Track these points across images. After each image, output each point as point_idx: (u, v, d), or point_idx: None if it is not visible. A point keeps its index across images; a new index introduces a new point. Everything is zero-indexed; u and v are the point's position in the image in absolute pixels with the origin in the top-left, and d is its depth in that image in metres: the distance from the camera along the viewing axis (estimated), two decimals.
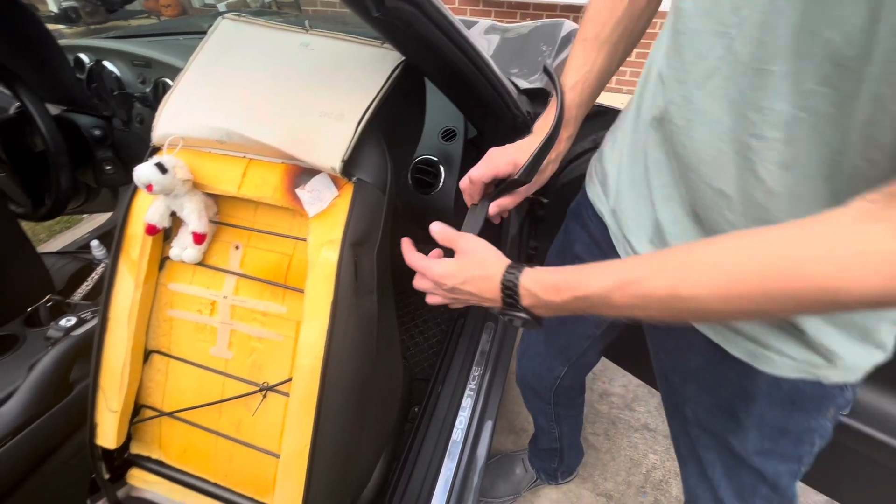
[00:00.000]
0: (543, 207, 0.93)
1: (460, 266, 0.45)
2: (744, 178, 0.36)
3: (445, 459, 0.86)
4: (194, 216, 0.60)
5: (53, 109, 1.00)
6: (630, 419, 1.32)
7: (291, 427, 0.56)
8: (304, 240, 0.60)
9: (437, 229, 0.49)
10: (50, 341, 0.75)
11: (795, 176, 0.33)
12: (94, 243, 0.99)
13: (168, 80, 1.02)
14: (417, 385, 1.03)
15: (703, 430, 0.55)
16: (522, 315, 0.42)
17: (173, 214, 0.62)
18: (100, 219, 1.82)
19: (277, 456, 0.63)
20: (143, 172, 0.55)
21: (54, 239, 2.03)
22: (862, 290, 0.26)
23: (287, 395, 0.62)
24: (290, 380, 0.58)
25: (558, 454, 1.06)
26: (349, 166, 0.53)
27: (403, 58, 0.58)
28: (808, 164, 0.32)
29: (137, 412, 0.70)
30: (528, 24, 1.24)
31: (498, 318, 1.06)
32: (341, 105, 0.54)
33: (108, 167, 1.06)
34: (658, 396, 1.26)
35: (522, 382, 0.89)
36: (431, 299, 0.50)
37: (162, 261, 0.67)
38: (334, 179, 0.55)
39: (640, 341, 0.65)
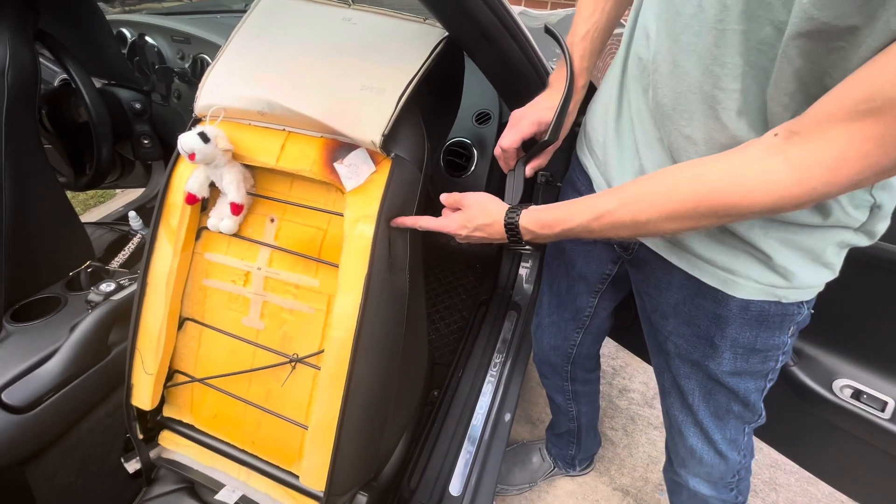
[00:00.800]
0: None
1: (468, 217, 0.55)
2: (708, 124, 0.43)
3: (465, 443, 0.86)
4: (233, 187, 0.61)
5: (96, 83, 1.03)
6: (649, 416, 1.31)
7: (321, 398, 0.57)
8: (340, 214, 0.61)
9: (444, 196, 0.58)
10: (90, 305, 0.79)
11: (746, 121, 0.41)
12: (132, 214, 1.02)
13: (206, 57, 1.04)
14: (438, 370, 1.03)
15: (683, 361, 0.63)
16: (526, 248, 0.52)
17: (212, 185, 0.64)
18: (131, 194, 1.89)
19: (304, 427, 0.65)
20: (187, 140, 0.56)
21: (89, 212, 2.11)
22: (759, 205, 0.36)
23: (316, 367, 0.63)
24: (321, 352, 0.59)
25: (576, 438, 1.06)
26: (388, 142, 0.54)
27: (446, 34, 0.58)
28: (753, 110, 0.40)
29: (171, 377, 0.73)
30: (559, 12, 1.21)
31: (520, 306, 1.06)
32: (383, 79, 0.55)
33: (146, 141, 1.09)
34: None
35: (540, 358, 0.93)
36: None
37: (199, 231, 0.69)
38: (372, 155, 0.56)
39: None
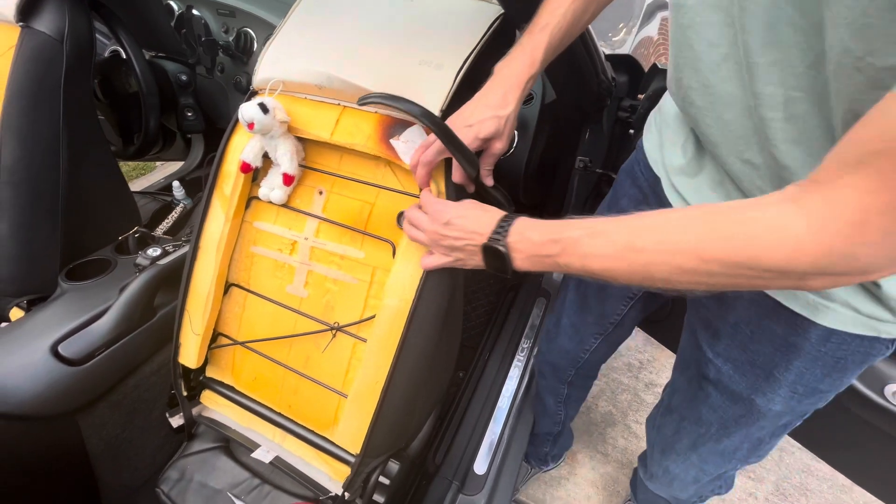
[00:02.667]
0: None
1: (463, 205, 0.50)
2: (766, 149, 0.40)
3: (490, 424, 0.90)
4: (287, 158, 0.65)
5: (144, 54, 1.09)
6: None
7: (367, 363, 0.61)
8: (388, 189, 0.64)
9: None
10: (138, 268, 0.84)
11: (805, 150, 0.37)
12: (176, 184, 1.08)
13: (250, 31, 1.08)
14: (464, 352, 1.07)
15: (720, 391, 0.57)
16: (501, 247, 0.44)
17: (264, 156, 0.68)
18: (169, 168, 1.97)
19: (342, 394, 0.69)
20: (248, 110, 0.60)
21: (131, 184, 2.22)
22: (767, 260, 0.31)
23: (357, 336, 0.67)
24: (373, 317, 0.63)
25: (553, 437, 1.07)
26: (446, 117, 0.57)
27: (501, 12, 0.60)
28: (812, 138, 0.37)
29: (215, 339, 0.78)
30: None
31: (549, 293, 1.07)
32: (440, 54, 0.57)
33: (189, 113, 1.15)
34: None
35: (545, 358, 0.90)
36: (413, 233, 0.53)
37: (249, 200, 0.73)
38: (427, 131, 0.59)
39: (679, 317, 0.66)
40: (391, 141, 0.59)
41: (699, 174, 0.51)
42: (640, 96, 0.89)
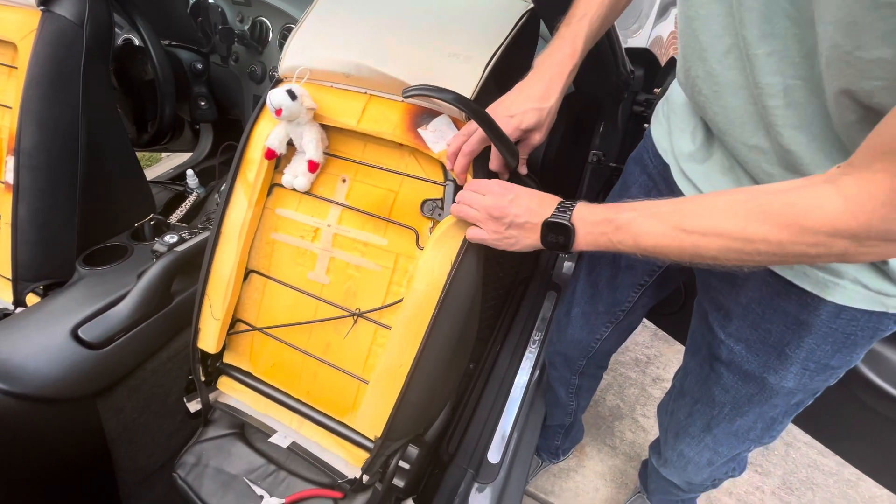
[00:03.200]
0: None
1: (521, 189, 0.52)
2: (771, 135, 0.42)
3: (503, 414, 0.92)
4: (312, 145, 0.67)
5: None
6: None
7: (391, 347, 0.63)
8: (413, 177, 0.66)
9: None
10: (155, 254, 0.86)
11: (808, 135, 0.40)
12: (190, 173, 1.09)
13: (266, 20, 1.09)
14: (476, 344, 1.09)
15: (732, 371, 0.59)
16: (567, 222, 0.47)
17: (288, 143, 0.69)
18: (176, 158, 1.97)
19: (362, 379, 0.71)
20: (276, 96, 0.62)
21: None
22: (812, 238, 0.34)
23: (379, 323, 0.69)
24: (398, 301, 0.64)
25: (565, 430, 1.09)
26: None
27: (530, 6, 0.61)
28: (812, 123, 0.39)
29: (233, 325, 0.80)
30: None
31: (560, 287, 1.09)
32: (469, 47, 0.59)
33: (203, 103, 1.16)
34: None
35: (556, 349, 0.91)
36: (465, 211, 0.55)
37: (271, 187, 0.75)
38: (455, 122, 0.60)
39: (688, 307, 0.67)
40: (419, 130, 0.61)
41: (708, 160, 0.53)
42: (656, 91, 0.91)
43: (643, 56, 0.90)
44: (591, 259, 0.80)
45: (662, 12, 1.10)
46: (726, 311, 0.58)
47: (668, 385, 1.37)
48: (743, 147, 0.46)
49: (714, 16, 0.42)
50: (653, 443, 0.87)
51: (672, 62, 0.84)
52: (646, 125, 0.94)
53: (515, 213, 0.51)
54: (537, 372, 0.99)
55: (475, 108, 0.51)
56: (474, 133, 0.54)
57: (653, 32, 1.05)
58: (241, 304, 0.79)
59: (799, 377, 0.54)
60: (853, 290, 0.46)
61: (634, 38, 1.03)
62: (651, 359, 1.46)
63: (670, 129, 0.59)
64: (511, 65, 0.65)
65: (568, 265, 1.17)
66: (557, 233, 0.48)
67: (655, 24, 1.06)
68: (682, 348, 1.16)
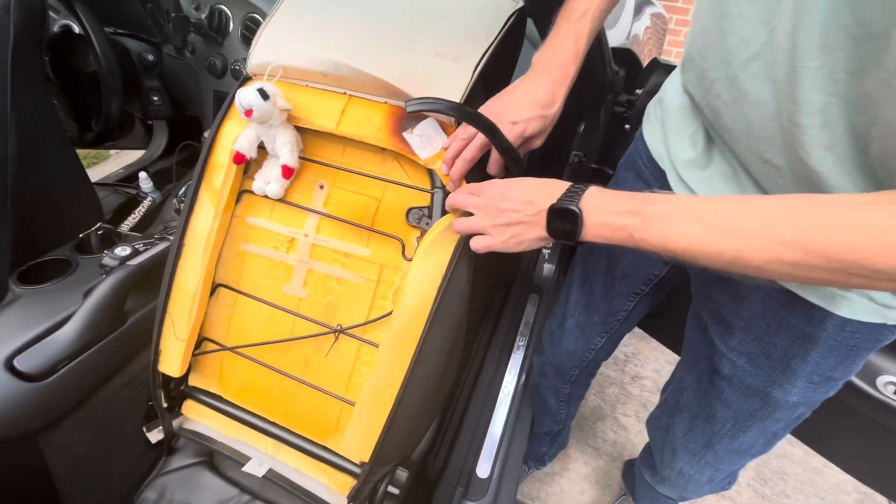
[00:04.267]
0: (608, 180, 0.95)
1: (522, 179, 0.48)
2: (792, 153, 0.40)
3: (490, 425, 0.90)
4: (286, 149, 0.62)
5: None
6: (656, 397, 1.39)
7: (378, 368, 0.59)
8: (397, 183, 0.62)
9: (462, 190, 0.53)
10: (105, 269, 0.78)
11: (835, 155, 0.38)
12: (143, 176, 1.00)
13: (224, 8, 1.02)
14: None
15: (734, 386, 0.58)
16: (574, 208, 0.42)
17: (260, 147, 0.64)
18: (126, 156, 1.82)
19: (346, 400, 0.67)
20: (246, 96, 0.57)
21: None
22: (881, 263, 0.30)
23: (361, 339, 0.65)
24: (387, 314, 0.61)
25: (553, 437, 1.09)
26: None
27: (520, 5, 0.60)
28: (839, 143, 0.37)
29: (199, 345, 0.74)
30: None
31: (541, 289, 1.09)
32: (457, 46, 0.56)
33: (155, 98, 1.07)
34: None
35: (548, 360, 0.90)
36: (465, 223, 0.51)
37: (239, 194, 0.69)
38: (442, 125, 0.58)
39: (681, 315, 0.69)
40: (405, 135, 0.58)
41: (709, 166, 0.52)
42: (638, 91, 0.92)
43: (625, 56, 0.90)
44: (585, 268, 0.78)
45: (638, 10, 1.12)
46: (728, 324, 0.56)
47: (647, 382, 1.41)
48: (756, 160, 0.44)
49: (748, 18, 0.39)
50: (643, 455, 0.88)
51: (655, 63, 0.85)
52: (627, 126, 0.95)
53: (513, 206, 0.46)
54: (523, 377, 0.99)
55: (486, 121, 0.48)
56: (474, 138, 0.52)
57: (631, 30, 1.06)
58: (207, 322, 0.73)
59: (803, 391, 0.54)
60: (860, 302, 0.46)
61: (610, 33, 1.03)
62: (629, 357, 1.50)
63: (665, 133, 0.58)
64: (498, 64, 0.63)
65: (548, 267, 1.17)
66: (563, 220, 0.43)
67: (633, 22, 1.07)
68: (659, 345, 1.19)
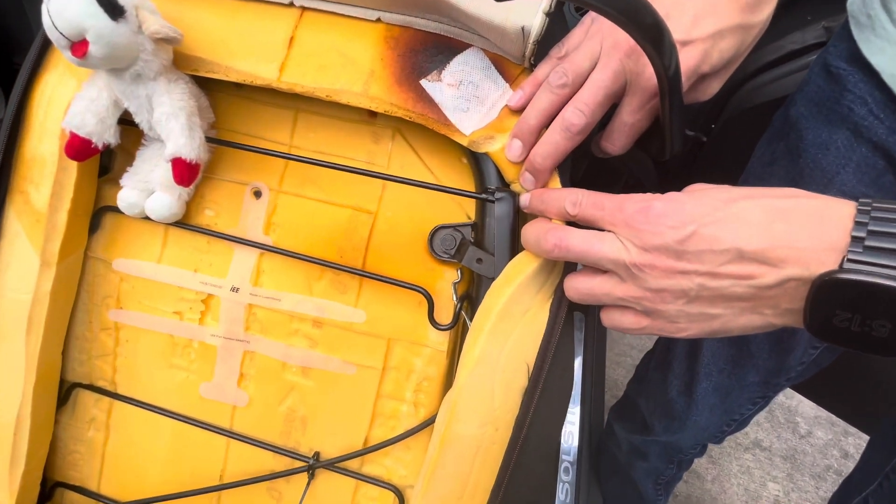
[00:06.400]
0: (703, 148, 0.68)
1: (691, 193, 0.25)
2: None
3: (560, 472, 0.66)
4: (178, 124, 0.32)
5: None
6: (737, 435, 1.17)
7: None
8: (405, 181, 0.33)
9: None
10: None
11: None
12: None
13: None
14: None
15: None
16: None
17: (125, 122, 0.33)
18: None
19: None
20: (70, 7, 0.26)
21: None
22: None
23: (356, 475, 0.37)
24: (418, 428, 0.34)
25: None
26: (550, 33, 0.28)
27: None
28: None
29: (49, 496, 0.42)
30: None
31: (588, 306, 0.81)
32: None
33: None
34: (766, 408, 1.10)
35: (656, 441, 0.68)
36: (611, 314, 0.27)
37: (97, 214, 0.38)
38: (499, 63, 0.30)
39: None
40: (424, 83, 0.29)
41: None
42: None
43: None
44: None
45: None
46: None
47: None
48: None
49: None
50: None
51: None
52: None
53: (718, 263, 0.23)
54: (587, 418, 0.73)
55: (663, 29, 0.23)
56: (597, 82, 0.27)
57: None
58: (60, 455, 0.42)
59: None
60: None
61: None
62: None
63: None
64: None
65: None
66: (867, 310, 0.20)
67: None
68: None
